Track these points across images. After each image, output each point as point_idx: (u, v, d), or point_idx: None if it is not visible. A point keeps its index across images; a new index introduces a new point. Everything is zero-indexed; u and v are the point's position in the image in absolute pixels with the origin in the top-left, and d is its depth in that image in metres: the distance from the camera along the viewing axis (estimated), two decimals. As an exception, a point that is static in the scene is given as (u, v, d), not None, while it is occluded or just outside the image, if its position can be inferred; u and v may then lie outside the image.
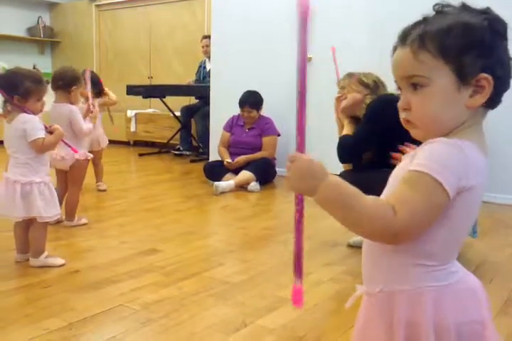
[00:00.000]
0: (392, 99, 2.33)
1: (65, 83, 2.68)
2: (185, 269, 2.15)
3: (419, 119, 0.81)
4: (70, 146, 2.30)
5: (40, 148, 2.07)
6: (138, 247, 2.42)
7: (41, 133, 2.07)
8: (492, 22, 0.77)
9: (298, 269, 0.84)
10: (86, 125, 2.74)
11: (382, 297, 0.83)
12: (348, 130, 2.49)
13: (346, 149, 2.41)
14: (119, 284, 1.96)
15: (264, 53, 4.56)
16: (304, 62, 0.76)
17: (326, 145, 4.11)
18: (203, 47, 5.67)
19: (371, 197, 0.76)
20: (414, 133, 0.84)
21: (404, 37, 0.81)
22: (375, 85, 2.47)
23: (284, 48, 4.44)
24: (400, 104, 0.83)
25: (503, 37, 0.78)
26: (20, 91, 2.04)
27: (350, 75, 2.57)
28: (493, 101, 0.79)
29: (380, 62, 3.84)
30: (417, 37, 0.79)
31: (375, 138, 2.33)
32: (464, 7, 0.80)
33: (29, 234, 2.14)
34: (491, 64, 0.76)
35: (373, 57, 3.91)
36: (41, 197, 2.07)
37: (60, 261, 2.15)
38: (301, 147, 0.81)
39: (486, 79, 0.76)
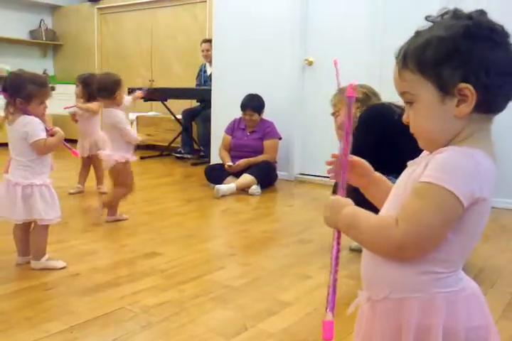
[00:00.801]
0: (379, 108, 2.37)
1: (109, 92, 2.81)
2: (185, 272, 2.15)
3: (416, 132, 0.85)
4: (70, 148, 2.30)
5: (41, 149, 2.07)
6: (139, 250, 2.42)
7: (42, 135, 2.06)
8: (471, 28, 0.76)
9: (331, 303, 0.86)
10: (133, 131, 2.93)
11: (389, 303, 0.83)
12: None
13: None
14: (120, 287, 1.96)
15: (265, 57, 4.56)
16: (347, 134, 0.93)
17: (326, 144, 4.12)
18: (202, 51, 5.68)
19: (377, 217, 0.81)
20: (419, 143, 0.86)
21: (397, 55, 0.84)
22: (365, 97, 2.47)
23: (285, 51, 4.46)
24: (403, 118, 0.87)
25: (488, 41, 0.76)
26: (23, 94, 2.04)
27: (340, 91, 2.59)
28: (489, 107, 0.79)
29: (382, 65, 3.86)
30: (401, 56, 0.82)
31: (368, 148, 2.36)
32: (454, 14, 0.80)
33: (30, 236, 2.14)
34: (471, 72, 0.76)
35: (374, 61, 3.93)
36: (42, 199, 2.06)
37: (61, 263, 2.15)
38: (342, 192, 0.90)
39: (467, 88, 0.76)
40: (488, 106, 0.78)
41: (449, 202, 0.73)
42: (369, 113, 2.36)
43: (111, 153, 2.84)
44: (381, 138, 2.26)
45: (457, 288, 0.80)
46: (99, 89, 2.84)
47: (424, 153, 0.88)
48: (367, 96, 2.47)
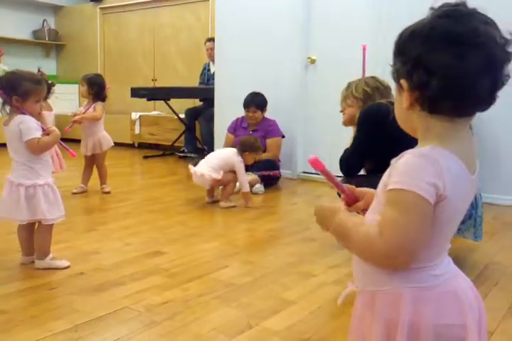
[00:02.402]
0: (373, 109, 2.37)
1: (240, 151, 3.43)
2: (189, 271, 2.15)
3: None
4: (67, 149, 2.28)
5: (35, 148, 2.04)
6: (142, 249, 2.42)
7: (36, 134, 2.03)
8: (418, 30, 0.78)
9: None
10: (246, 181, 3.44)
11: (365, 294, 0.87)
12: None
13: (343, 163, 2.44)
14: (124, 286, 1.97)
15: (268, 55, 4.56)
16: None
17: (329, 142, 4.12)
18: (207, 50, 5.66)
19: (364, 228, 0.81)
20: None
21: None
22: (366, 95, 2.43)
23: (287, 50, 4.45)
24: None
25: (434, 44, 0.76)
26: (19, 91, 2.02)
27: (349, 86, 2.57)
28: (432, 107, 0.79)
29: (385, 62, 3.85)
30: None
31: (364, 149, 2.38)
32: (434, 10, 0.80)
33: (34, 236, 2.14)
34: (413, 70, 0.78)
35: (378, 58, 3.91)
36: (45, 199, 2.06)
37: (65, 263, 2.16)
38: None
39: (402, 84, 0.81)
40: (430, 106, 0.79)
41: (415, 202, 0.75)
42: (363, 114, 2.36)
43: (204, 173, 3.28)
44: (376, 139, 2.28)
45: (427, 284, 0.81)
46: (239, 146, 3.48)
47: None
48: (367, 94, 2.43)
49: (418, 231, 0.76)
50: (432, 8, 0.81)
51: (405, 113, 0.83)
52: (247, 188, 3.39)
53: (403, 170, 0.77)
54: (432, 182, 0.75)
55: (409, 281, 0.81)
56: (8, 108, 2.08)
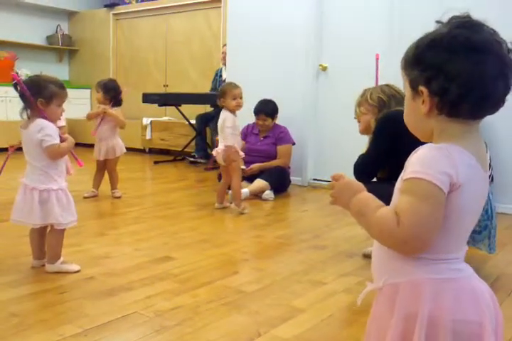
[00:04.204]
0: (389, 116, 2.36)
1: (218, 98, 3.41)
2: (199, 277, 2.15)
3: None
4: (76, 158, 2.25)
5: (53, 154, 2.06)
6: (152, 254, 2.43)
7: (57, 139, 2.06)
8: (438, 39, 0.83)
9: None
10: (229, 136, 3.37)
11: (388, 289, 0.88)
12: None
13: (357, 168, 2.44)
14: (134, 291, 1.97)
15: (279, 62, 4.57)
16: None
17: (340, 150, 4.11)
18: (222, 53, 5.67)
19: (382, 211, 0.84)
20: None
21: None
22: (381, 103, 2.43)
23: (299, 57, 4.46)
24: None
25: (455, 53, 0.81)
26: (45, 94, 2.05)
27: (364, 93, 2.55)
28: (450, 111, 0.83)
29: (397, 70, 3.85)
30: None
31: (382, 157, 2.37)
32: (447, 22, 0.86)
33: (46, 240, 2.15)
34: (432, 77, 0.83)
35: (389, 66, 3.91)
36: (58, 203, 2.07)
37: (75, 267, 2.16)
38: None
39: (422, 91, 0.85)
40: (448, 111, 0.84)
41: (430, 190, 0.79)
42: (381, 121, 2.36)
43: (220, 147, 3.34)
44: (392, 146, 2.27)
45: (446, 276, 0.83)
46: None
47: None
48: (383, 102, 2.43)
49: (433, 218, 0.80)
50: (438, 22, 0.86)
51: (421, 118, 0.87)
52: (229, 143, 3.37)
53: (419, 161, 0.82)
54: (446, 171, 0.79)
55: (429, 272, 0.83)
56: (28, 111, 2.10)
